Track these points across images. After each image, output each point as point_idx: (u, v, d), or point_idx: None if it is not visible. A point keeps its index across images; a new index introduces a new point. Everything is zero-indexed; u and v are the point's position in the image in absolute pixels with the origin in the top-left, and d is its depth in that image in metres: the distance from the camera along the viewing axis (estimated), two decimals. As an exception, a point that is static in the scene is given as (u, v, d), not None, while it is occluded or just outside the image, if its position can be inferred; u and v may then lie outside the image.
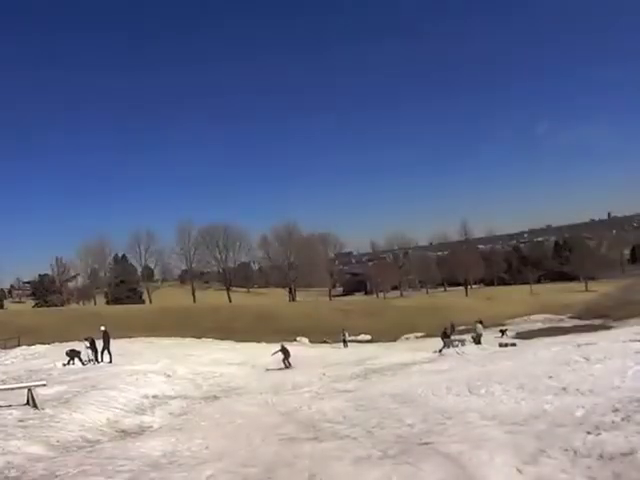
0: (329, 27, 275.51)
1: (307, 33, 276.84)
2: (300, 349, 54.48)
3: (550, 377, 17.17)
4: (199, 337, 66.16)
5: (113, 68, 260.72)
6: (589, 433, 10.00)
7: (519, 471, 8.60)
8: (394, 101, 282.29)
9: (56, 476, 10.67)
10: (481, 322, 47.61)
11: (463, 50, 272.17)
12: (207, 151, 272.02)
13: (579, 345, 27.05)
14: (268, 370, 36.11)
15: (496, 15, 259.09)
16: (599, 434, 9.82)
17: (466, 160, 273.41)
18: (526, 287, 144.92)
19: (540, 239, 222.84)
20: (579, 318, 74.49)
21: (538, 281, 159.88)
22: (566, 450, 9.15)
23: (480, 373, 20.87)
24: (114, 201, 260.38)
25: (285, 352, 44.20)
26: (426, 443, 10.88)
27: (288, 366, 43.57)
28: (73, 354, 36.46)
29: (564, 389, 15.18)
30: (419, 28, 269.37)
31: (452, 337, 44.61)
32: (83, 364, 35.77)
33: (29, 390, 19.25)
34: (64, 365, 35.65)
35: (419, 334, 70.50)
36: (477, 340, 45.63)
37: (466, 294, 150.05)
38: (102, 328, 38.69)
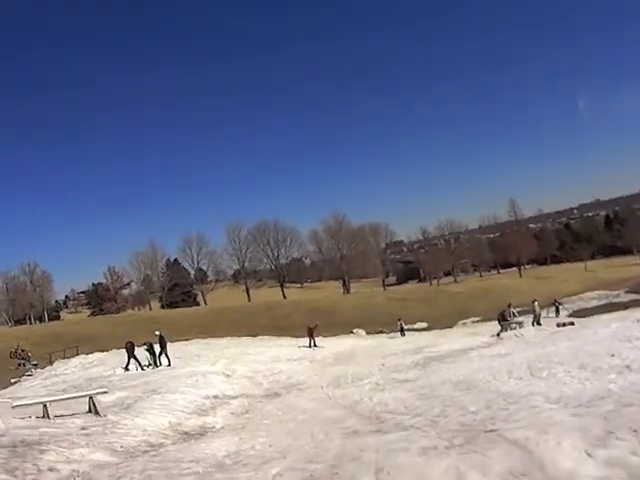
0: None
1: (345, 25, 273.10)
2: (358, 341, 54.62)
3: (612, 355, 16.92)
4: (255, 335, 66.52)
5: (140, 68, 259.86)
6: (659, 413, 9.76)
7: (588, 455, 8.37)
8: (434, 80, 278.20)
9: (121, 482, 10.66)
10: (536, 302, 47.11)
11: (499, 21, 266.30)
12: (251, 147, 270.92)
13: (639, 320, 26.67)
14: (327, 364, 35.87)
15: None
16: (668, 412, 9.58)
17: (509, 138, 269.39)
18: (580, 264, 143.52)
19: (590, 214, 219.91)
20: (636, 292, 73.18)
21: (592, 257, 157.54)
22: (635, 431, 8.88)
23: (540, 355, 20.65)
24: (162, 206, 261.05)
25: (311, 331, 45.37)
26: (491, 430, 10.69)
27: (310, 345, 44.86)
28: (130, 349, 36.88)
29: (628, 367, 14.91)
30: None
31: (509, 320, 44.18)
32: (142, 369, 36.05)
33: (90, 398, 19.38)
34: (124, 370, 36.03)
35: (475, 319, 70.03)
36: (537, 320, 45.19)
37: (520, 275, 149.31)
38: (157, 333, 39.02)
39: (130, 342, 37.83)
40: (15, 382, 40.73)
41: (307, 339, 49.31)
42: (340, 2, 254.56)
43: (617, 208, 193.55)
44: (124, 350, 37.97)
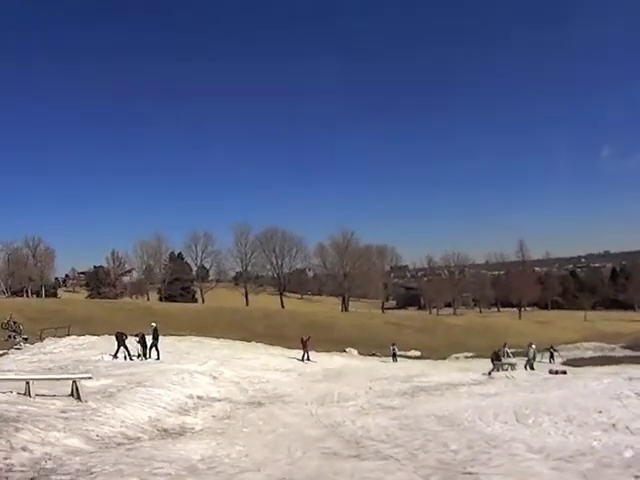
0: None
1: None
2: (349, 360, 54.49)
3: (600, 412, 16.81)
4: (249, 340, 66.21)
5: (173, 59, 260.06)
6: (637, 477, 9.63)
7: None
8: (456, 115, 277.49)
9: (91, 472, 10.56)
10: (532, 346, 47.06)
11: (523, 59, 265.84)
12: (269, 154, 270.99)
13: (631, 378, 26.60)
14: (315, 380, 35.73)
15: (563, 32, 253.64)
16: (647, 480, 9.45)
17: (526, 178, 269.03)
18: (580, 313, 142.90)
19: (597, 265, 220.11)
20: (631, 349, 73.08)
21: (593, 307, 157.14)
22: (612, 495, 8.78)
23: (529, 401, 20.54)
24: (173, 199, 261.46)
25: (304, 343, 45.09)
26: (469, 473, 10.57)
27: (304, 358, 44.55)
28: (120, 338, 36.81)
29: (613, 425, 14.83)
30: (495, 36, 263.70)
31: (503, 360, 44.12)
32: (130, 359, 36.01)
33: (74, 382, 19.30)
34: (113, 357, 36.03)
35: (469, 354, 69.74)
36: (530, 364, 45.05)
37: (519, 316, 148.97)
38: (153, 324, 39.03)
39: (120, 332, 37.83)
40: (3, 354, 40.71)
41: (299, 351, 49.26)
42: (356, 21, 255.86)
43: (624, 262, 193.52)
44: (116, 332, 38.05)
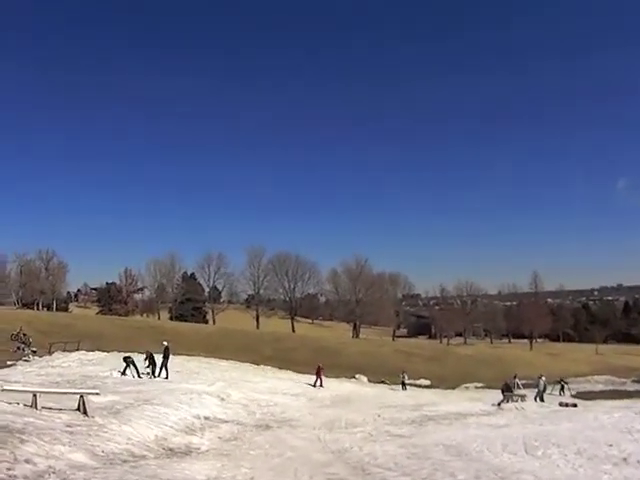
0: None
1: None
2: (358, 387, 54.23)
3: (610, 445, 16.64)
4: (258, 363, 65.99)
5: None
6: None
7: None
8: (473, 145, 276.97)
9: (95, 488, 10.46)
10: (542, 378, 46.80)
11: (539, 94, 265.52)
12: (284, 177, 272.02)
13: (643, 412, 26.41)
14: (323, 405, 35.52)
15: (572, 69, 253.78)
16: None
17: (540, 210, 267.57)
18: (592, 346, 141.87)
19: (610, 298, 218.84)
20: (642, 383, 72.67)
21: (604, 341, 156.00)
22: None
23: (538, 433, 20.35)
24: (187, 219, 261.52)
25: (318, 372, 44.71)
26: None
27: (316, 384, 44.10)
28: (128, 360, 36.77)
29: (624, 460, 14.66)
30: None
31: (513, 390, 43.86)
32: (139, 376, 35.92)
33: (81, 396, 19.21)
34: (121, 374, 35.95)
35: (479, 384, 69.31)
36: (540, 396, 44.77)
37: (530, 348, 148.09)
38: (165, 343, 39.01)
39: (128, 356, 37.88)
40: (11, 365, 40.71)
41: (308, 376, 49.11)
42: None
43: (637, 296, 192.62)
44: (124, 357, 37.99)
